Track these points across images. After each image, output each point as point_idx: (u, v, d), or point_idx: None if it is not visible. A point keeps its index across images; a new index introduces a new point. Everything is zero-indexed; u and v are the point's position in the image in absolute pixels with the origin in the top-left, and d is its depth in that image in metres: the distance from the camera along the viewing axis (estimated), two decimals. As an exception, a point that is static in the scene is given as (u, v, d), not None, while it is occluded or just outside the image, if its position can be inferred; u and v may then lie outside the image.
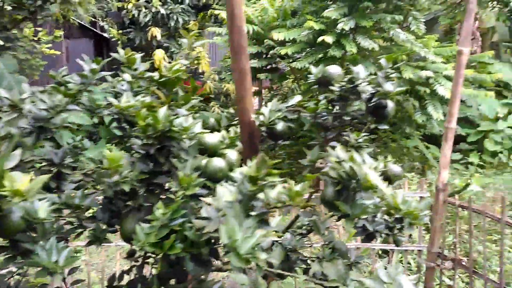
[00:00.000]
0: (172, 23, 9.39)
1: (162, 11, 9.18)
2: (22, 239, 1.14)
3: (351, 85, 1.46)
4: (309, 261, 1.61)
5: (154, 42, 9.40)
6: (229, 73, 8.43)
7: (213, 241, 1.15)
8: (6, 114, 1.29)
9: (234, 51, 1.62)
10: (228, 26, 1.62)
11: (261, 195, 0.96)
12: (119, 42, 9.60)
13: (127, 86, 1.57)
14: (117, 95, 1.55)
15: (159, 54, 8.93)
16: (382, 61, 1.51)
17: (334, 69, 1.59)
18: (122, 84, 1.58)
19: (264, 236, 0.90)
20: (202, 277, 1.22)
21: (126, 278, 1.54)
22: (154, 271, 1.36)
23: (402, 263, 3.79)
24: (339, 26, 6.05)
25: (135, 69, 1.53)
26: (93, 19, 11.70)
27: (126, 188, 1.23)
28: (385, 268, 1.08)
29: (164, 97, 1.45)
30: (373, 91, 1.44)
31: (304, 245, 1.58)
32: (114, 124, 1.55)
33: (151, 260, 1.43)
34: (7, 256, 1.18)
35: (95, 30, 13.37)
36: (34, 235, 1.17)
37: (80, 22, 11.37)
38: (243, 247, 0.82)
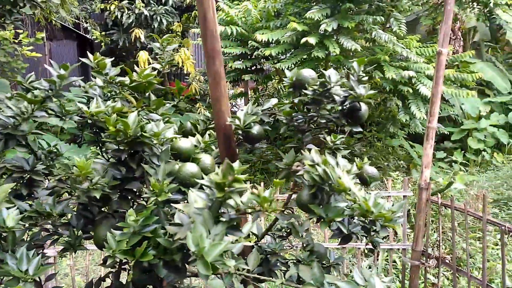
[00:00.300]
0: (156, 25, 9.32)
1: (145, 12, 9.11)
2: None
3: (324, 89, 1.46)
4: (290, 264, 1.61)
5: (138, 44, 9.32)
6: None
7: (186, 247, 1.14)
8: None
9: (208, 55, 1.61)
10: (201, 30, 1.61)
11: (231, 201, 0.95)
12: (102, 44, 9.49)
13: (99, 91, 1.54)
14: (89, 100, 1.53)
15: (143, 55, 8.85)
16: (354, 64, 1.52)
17: (308, 73, 1.59)
18: (95, 88, 1.56)
19: (236, 242, 0.89)
20: (177, 283, 1.21)
21: (106, 284, 1.52)
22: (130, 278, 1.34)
23: (387, 262, 3.83)
24: (322, 27, 6.08)
25: (106, 74, 1.51)
26: (76, 21, 11.56)
27: (97, 194, 1.21)
28: (369, 268, 1.08)
29: (135, 102, 1.43)
30: (346, 94, 1.44)
31: (284, 247, 1.58)
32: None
33: (127, 266, 1.42)
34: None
35: (78, 31, 13.21)
36: (4, 243, 1.15)
37: (63, 24, 11.23)
38: (211, 254, 0.82)
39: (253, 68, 7.55)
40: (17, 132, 1.24)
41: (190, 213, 1.03)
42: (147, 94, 1.49)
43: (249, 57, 7.21)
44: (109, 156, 1.52)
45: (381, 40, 6.32)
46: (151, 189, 1.19)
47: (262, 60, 7.26)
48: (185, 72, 9.32)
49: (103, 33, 9.64)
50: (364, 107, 1.49)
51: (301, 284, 1.26)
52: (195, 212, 0.96)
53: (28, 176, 1.38)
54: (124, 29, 9.38)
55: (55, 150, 1.67)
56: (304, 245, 1.54)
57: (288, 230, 1.72)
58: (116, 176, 1.30)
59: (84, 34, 12.90)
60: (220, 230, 0.89)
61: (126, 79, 1.46)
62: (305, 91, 1.49)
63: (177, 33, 9.68)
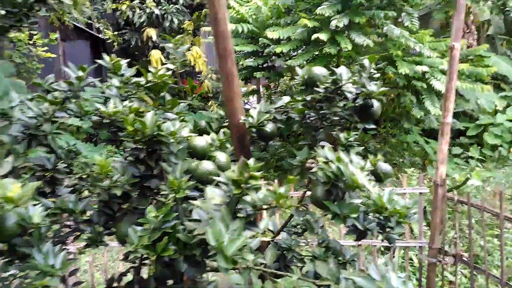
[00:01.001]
0: (167, 24, 9.39)
1: (157, 11, 9.18)
2: (18, 243, 1.16)
3: (335, 86, 1.47)
4: (305, 260, 1.63)
5: (150, 43, 9.40)
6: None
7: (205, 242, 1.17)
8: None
9: (220, 55, 1.63)
10: (212, 30, 1.63)
11: (247, 198, 0.98)
12: (114, 43, 9.59)
13: (116, 91, 1.58)
14: (106, 100, 1.57)
15: (155, 54, 8.94)
16: (365, 61, 1.53)
17: (319, 70, 1.60)
18: (111, 89, 1.60)
19: (253, 237, 0.92)
20: (197, 277, 1.24)
21: (126, 279, 1.56)
22: (151, 272, 1.38)
23: (404, 260, 3.81)
24: (333, 23, 6.06)
25: (122, 75, 1.55)
26: (88, 21, 11.69)
27: (118, 192, 1.25)
28: (386, 265, 1.09)
29: (151, 102, 1.46)
30: (358, 92, 1.46)
31: (300, 244, 1.60)
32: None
33: (148, 261, 1.46)
34: (5, 260, 1.20)
35: (91, 32, 13.35)
36: (30, 239, 1.19)
37: (75, 24, 11.36)
38: (230, 249, 0.84)
39: (264, 66, 7.56)
40: (39, 132, 1.28)
41: (208, 209, 1.06)
42: (162, 94, 1.52)
43: (260, 54, 7.22)
44: (126, 155, 1.56)
45: (393, 35, 6.27)
46: (170, 186, 1.23)
47: (273, 57, 7.26)
48: (196, 70, 9.37)
49: (116, 33, 9.74)
50: (376, 104, 1.50)
51: (318, 280, 1.28)
52: (213, 209, 0.99)
53: (50, 174, 1.43)
54: (136, 28, 9.47)
55: (74, 149, 1.72)
56: (320, 241, 1.56)
57: (304, 227, 1.74)
58: (135, 174, 1.34)
59: (97, 34, 13.04)
60: (238, 225, 0.91)
61: (142, 80, 1.49)
62: (316, 89, 1.51)
63: (189, 31, 9.74)
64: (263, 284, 1.20)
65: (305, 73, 1.60)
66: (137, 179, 1.33)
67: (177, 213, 1.19)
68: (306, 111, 1.61)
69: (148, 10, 9.02)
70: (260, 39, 6.87)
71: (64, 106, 1.33)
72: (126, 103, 1.39)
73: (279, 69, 7.86)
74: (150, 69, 1.50)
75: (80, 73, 1.37)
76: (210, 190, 1.12)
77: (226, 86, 1.64)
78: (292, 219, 1.68)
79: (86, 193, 1.66)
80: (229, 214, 0.95)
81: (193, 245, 1.15)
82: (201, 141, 1.40)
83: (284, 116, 1.66)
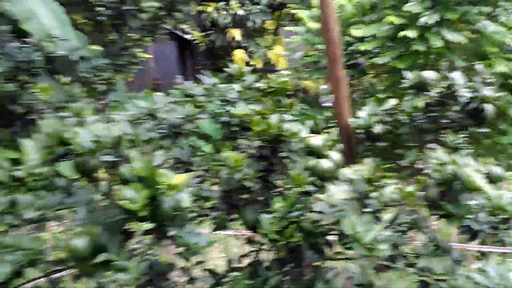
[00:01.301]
0: (250, 24, 9.70)
1: (240, 12, 9.53)
2: (167, 224, 1.38)
3: (450, 91, 1.52)
4: (409, 257, 1.69)
5: (233, 43, 9.79)
6: (306, 70, 8.53)
7: (327, 232, 1.31)
8: (145, 121, 1.56)
9: (330, 60, 1.76)
10: (323, 37, 1.76)
11: (375, 194, 1.09)
12: (201, 44, 10.13)
13: (237, 95, 1.78)
14: (227, 103, 1.77)
15: (238, 54, 9.29)
16: (479, 66, 1.56)
17: (429, 74, 1.66)
18: (231, 93, 1.80)
19: (380, 231, 1.03)
20: (318, 264, 1.39)
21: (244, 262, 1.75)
22: (269, 256, 1.55)
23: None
24: (422, 20, 5.86)
25: (244, 80, 1.74)
26: (176, 23, 12.41)
27: (249, 183, 1.43)
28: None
29: (271, 104, 1.63)
30: (472, 96, 1.49)
31: (406, 241, 1.67)
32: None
33: (266, 247, 1.63)
34: (155, 238, 1.44)
35: (178, 33, 14.15)
36: (176, 221, 1.41)
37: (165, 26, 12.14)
38: (365, 237, 0.97)
39: (348, 63, 7.52)
40: (181, 130, 1.51)
41: (333, 203, 1.19)
42: (279, 97, 1.68)
43: (344, 52, 7.19)
44: (242, 151, 1.74)
45: (487, 31, 5.90)
46: (293, 181, 1.38)
47: (357, 55, 7.20)
48: (277, 68, 9.58)
49: (202, 34, 10.28)
50: (490, 107, 1.52)
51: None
52: (342, 203, 1.12)
53: (186, 167, 1.66)
54: (220, 29, 9.91)
55: (194, 145, 1.96)
56: (429, 240, 1.61)
57: (409, 226, 1.80)
58: (259, 169, 1.51)
59: (183, 36, 13.81)
60: (369, 219, 1.03)
61: (263, 85, 1.67)
62: (429, 93, 1.57)
63: (270, 30, 9.97)
64: (378, 275, 1.31)
65: (415, 76, 1.67)
66: (261, 173, 1.50)
67: (301, 205, 1.34)
68: (415, 114, 1.68)
69: (232, 12, 9.40)
70: (343, 37, 6.84)
71: (204, 109, 1.54)
72: (251, 106, 1.57)
73: (362, 67, 7.76)
74: (271, 76, 1.67)
75: (215, 80, 1.58)
76: (333, 187, 1.26)
77: (335, 90, 1.77)
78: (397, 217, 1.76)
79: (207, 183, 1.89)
80: (360, 208, 1.07)
81: (317, 234, 1.30)
82: (317, 141, 1.54)
83: (392, 118, 1.74)
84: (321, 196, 1.25)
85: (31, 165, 1.24)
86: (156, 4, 2.79)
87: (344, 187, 1.18)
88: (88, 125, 1.37)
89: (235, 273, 1.72)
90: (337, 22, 1.66)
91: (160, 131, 1.56)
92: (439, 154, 1.35)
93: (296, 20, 9.69)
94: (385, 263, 1.30)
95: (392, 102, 1.77)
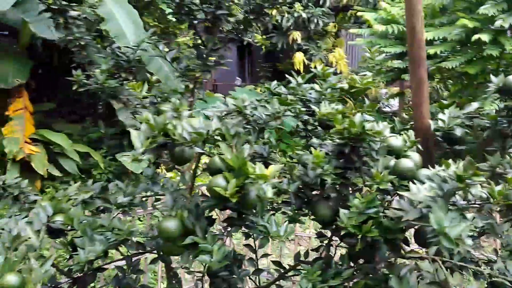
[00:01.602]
0: (312, 26, 9.73)
1: (304, 15, 9.58)
2: (248, 213, 1.49)
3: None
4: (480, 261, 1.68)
5: (294, 45, 9.87)
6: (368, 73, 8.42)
7: (405, 229, 1.35)
8: (233, 117, 1.68)
9: (413, 62, 1.78)
10: (408, 39, 1.78)
11: (461, 192, 1.12)
12: (262, 46, 10.31)
13: (316, 94, 1.85)
14: (309, 102, 1.85)
15: (299, 57, 9.35)
16: None
17: (515, 79, 1.63)
18: (310, 92, 1.88)
19: (468, 227, 1.06)
20: (392, 260, 1.43)
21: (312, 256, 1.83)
22: (340, 252, 1.61)
23: None
24: (497, 23, 5.61)
25: (325, 80, 1.81)
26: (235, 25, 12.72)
27: (329, 179, 1.50)
28: None
29: (353, 105, 1.69)
30: None
31: (478, 246, 1.66)
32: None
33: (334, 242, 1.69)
34: (235, 225, 1.55)
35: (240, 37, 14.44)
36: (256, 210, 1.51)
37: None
38: (453, 232, 1.00)
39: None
40: (267, 126, 1.61)
41: (418, 200, 1.23)
42: (360, 97, 1.74)
43: (409, 56, 7.03)
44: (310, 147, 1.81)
45: None
46: (374, 178, 1.43)
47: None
48: (338, 71, 9.52)
49: (264, 36, 10.46)
50: None
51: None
52: (427, 200, 1.16)
53: (265, 160, 1.77)
54: (283, 32, 10.03)
55: (268, 142, 2.06)
56: (504, 245, 1.59)
57: (481, 231, 1.78)
58: (338, 166, 1.58)
59: (243, 38, 14.09)
60: (456, 215, 1.06)
61: (345, 85, 1.73)
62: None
63: (331, 33, 9.93)
64: (451, 275, 1.32)
65: (501, 81, 1.65)
66: (340, 170, 1.57)
67: (380, 202, 1.39)
68: (498, 118, 1.66)
69: (296, 14, 9.49)
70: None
71: (290, 108, 1.64)
72: (333, 105, 1.64)
73: (428, 72, 7.54)
74: (354, 77, 1.73)
75: (300, 80, 1.67)
76: (415, 185, 1.29)
77: (415, 92, 1.79)
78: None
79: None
80: (446, 205, 1.10)
81: (395, 230, 1.34)
82: (397, 141, 1.57)
83: (472, 122, 1.73)
84: (405, 193, 1.29)
85: (136, 152, 1.39)
86: (245, 8, 2.96)
87: (429, 185, 1.21)
88: (184, 118, 1.51)
89: (305, 266, 1.79)
90: (423, 22, 1.68)
91: (246, 126, 1.67)
92: (525, 159, 1.34)
93: (360, 23, 9.59)
94: (458, 263, 1.31)
95: (475, 105, 1.75)
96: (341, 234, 1.49)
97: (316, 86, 1.82)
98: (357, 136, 1.52)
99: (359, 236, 1.36)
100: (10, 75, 7.09)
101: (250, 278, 2.03)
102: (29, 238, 1.53)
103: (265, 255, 2.07)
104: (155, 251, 1.92)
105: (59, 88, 8.94)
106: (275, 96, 1.68)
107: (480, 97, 5.51)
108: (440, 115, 1.71)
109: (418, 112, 1.78)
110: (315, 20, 9.55)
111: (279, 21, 9.76)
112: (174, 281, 2.03)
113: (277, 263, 2.03)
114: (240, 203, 1.41)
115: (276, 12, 9.83)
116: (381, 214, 1.40)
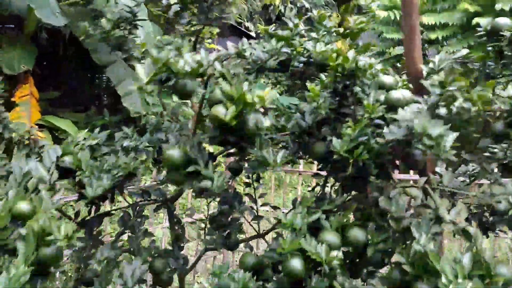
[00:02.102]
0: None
1: (306, 5, 9.66)
2: (249, 147, 1.57)
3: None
4: None
5: (297, 35, 9.94)
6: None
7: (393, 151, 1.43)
8: (233, 60, 1.76)
9: (405, 10, 1.85)
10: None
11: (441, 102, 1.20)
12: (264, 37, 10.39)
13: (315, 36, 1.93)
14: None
15: (301, 46, 9.40)
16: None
17: (504, 20, 1.70)
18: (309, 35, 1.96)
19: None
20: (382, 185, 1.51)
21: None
22: (332, 192, 1.70)
23: None
24: (497, 6, 5.67)
25: (323, 25, 1.89)
26: (239, 19, 12.83)
27: (323, 112, 1.58)
28: None
29: (347, 47, 1.77)
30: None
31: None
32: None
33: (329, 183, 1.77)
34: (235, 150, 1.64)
35: (242, 29, 14.57)
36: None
37: (229, 21, 12.60)
38: (434, 132, 1.08)
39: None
40: (265, 65, 1.71)
41: (405, 118, 1.30)
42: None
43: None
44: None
45: None
46: (365, 108, 1.51)
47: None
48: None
49: (266, 27, 10.54)
50: None
51: None
52: (414, 113, 1.23)
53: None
54: (284, 22, 10.10)
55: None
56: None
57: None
58: (333, 103, 1.66)
59: (247, 32, 14.21)
60: (439, 122, 1.14)
61: (340, 29, 1.81)
62: (501, 33, 1.62)
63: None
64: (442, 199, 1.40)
65: (488, 24, 1.72)
66: (334, 106, 1.65)
67: (371, 129, 1.47)
68: (486, 60, 1.73)
69: (299, 4, 9.57)
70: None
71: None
72: (328, 46, 1.72)
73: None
74: (349, 18, 1.81)
75: (297, 21, 1.77)
76: (401, 109, 1.37)
77: (407, 39, 1.86)
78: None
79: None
80: (429, 115, 1.18)
81: (384, 154, 1.42)
82: (389, 79, 1.65)
83: (461, 66, 1.81)
84: (397, 116, 1.36)
85: (140, 83, 1.48)
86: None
87: (415, 106, 1.29)
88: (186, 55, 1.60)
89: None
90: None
91: (246, 67, 1.76)
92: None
93: (363, 13, 9.66)
94: (447, 189, 1.39)
95: (464, 51, 1.82)
96: (335, 166, 1.58)
97: (314, 34, 1.90)
98: (351, 71, 1.60)
99: (351, 161, 1.44)
100: (16, 61, 7.22)
101: (250, 225, 2.11)
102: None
103: (265, 204, 2.15)
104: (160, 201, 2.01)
105: (63, 77, 9.07)
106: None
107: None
108: (431, 59, 1.79)
109: (410, 58, 1.85)
110: (318, 10, 9.63)
111: (282, 11, 9.84)
112: (177, 228, 2.11)
113: (273, 207, 2.13)
114: (240, 134, 1.49)
115: (279, 2, 9.93)
116: (372, 142, 1.48)
